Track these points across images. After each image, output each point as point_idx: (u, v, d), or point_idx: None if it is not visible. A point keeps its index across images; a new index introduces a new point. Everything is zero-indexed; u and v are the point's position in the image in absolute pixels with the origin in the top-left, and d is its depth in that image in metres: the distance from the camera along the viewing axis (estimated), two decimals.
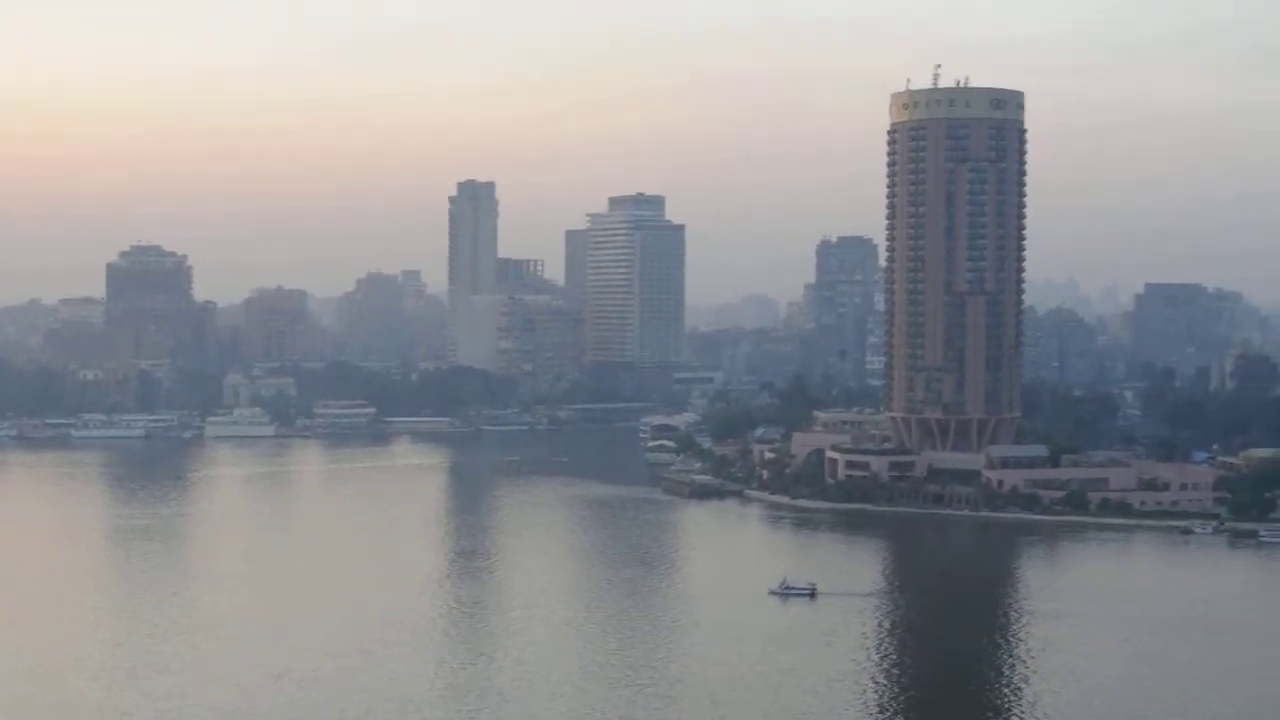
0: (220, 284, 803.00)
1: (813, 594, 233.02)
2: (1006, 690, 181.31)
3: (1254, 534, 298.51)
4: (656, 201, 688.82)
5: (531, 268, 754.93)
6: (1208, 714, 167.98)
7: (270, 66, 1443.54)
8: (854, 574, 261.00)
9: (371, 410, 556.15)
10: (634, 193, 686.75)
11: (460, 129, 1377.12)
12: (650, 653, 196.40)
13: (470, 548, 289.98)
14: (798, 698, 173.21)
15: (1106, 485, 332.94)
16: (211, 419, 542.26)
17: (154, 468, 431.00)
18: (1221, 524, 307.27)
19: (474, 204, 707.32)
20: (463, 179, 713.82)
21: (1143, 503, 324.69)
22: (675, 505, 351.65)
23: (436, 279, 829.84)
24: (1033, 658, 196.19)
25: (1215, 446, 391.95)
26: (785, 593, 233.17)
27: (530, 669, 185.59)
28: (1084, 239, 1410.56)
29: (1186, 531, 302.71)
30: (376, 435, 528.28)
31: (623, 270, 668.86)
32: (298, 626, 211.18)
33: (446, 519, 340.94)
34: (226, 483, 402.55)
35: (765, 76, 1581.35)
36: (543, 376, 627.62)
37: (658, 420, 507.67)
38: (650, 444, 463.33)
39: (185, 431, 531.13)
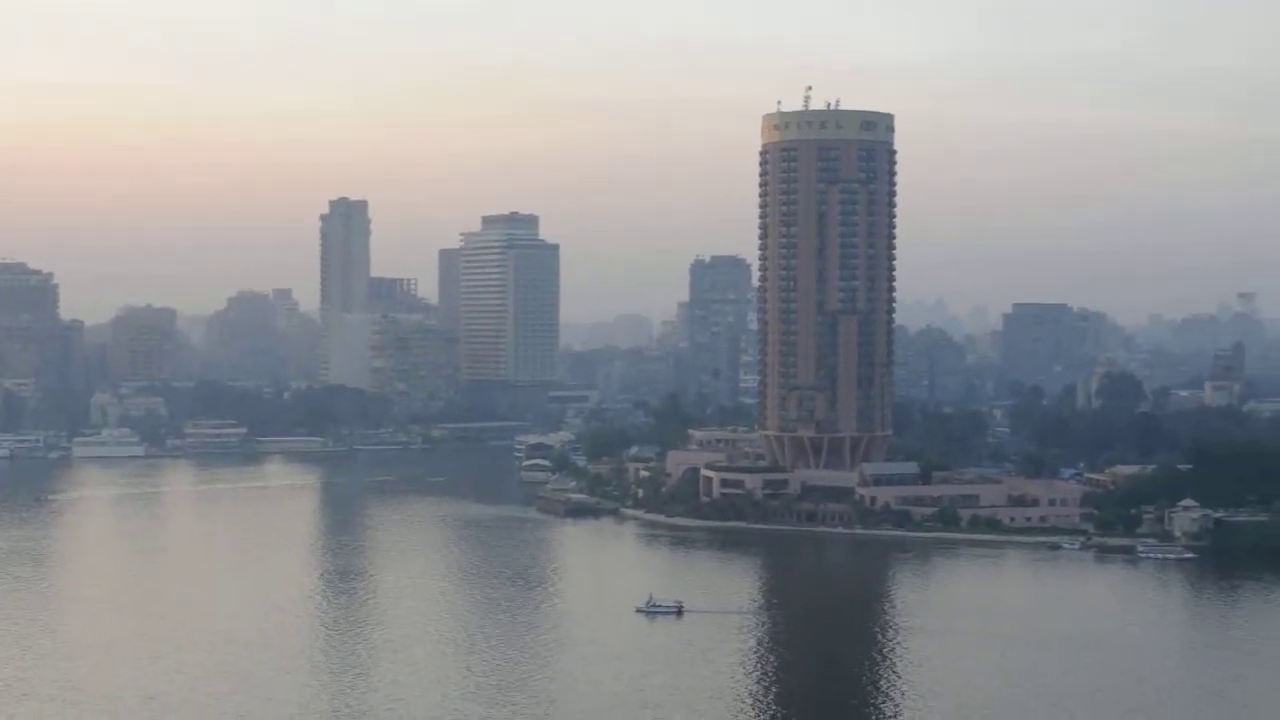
0: (87, 302, 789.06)
1: (679, 612, 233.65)
2: (880, 706, 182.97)
3: (1127, 550, 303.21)
4: (530, 220, 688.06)
5: (405, 286, 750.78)
6: None
7: (141, 83, 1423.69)
8: (724, 592, 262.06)
9: (243, 430, 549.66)
10: (508, 212, 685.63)
11: (333, 148, 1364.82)
12: (526, 673, 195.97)
13: (344, 568, 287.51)
14: (675, 715, 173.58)
15: (977, 502, 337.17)
16: (79, 439, 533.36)
17: (19, 489, 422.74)
18: (1089, 539, 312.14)
19: (346, 222, 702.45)
20: (334, 197, 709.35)
21: (1012, 519, 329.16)
22: (550, 524, 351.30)
23: (308, 298, 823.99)
24: (906, 674, 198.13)
25: (1082, 463, 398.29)
26: (651, 611, 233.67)
27: (406, 690, 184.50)
28: (953, 260, 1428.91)
29: (1055, 547, 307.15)
30: (248, 455, 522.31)
31: (497, 289, 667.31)
32: (169, 649, 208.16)
33: (320, 539, 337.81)
34: (94, 504, 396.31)
35: (639, 99, 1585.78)
36: (417, 395, 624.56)
37: (533, 439, 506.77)
38: (525, 463, 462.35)
39: (52, 452, 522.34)
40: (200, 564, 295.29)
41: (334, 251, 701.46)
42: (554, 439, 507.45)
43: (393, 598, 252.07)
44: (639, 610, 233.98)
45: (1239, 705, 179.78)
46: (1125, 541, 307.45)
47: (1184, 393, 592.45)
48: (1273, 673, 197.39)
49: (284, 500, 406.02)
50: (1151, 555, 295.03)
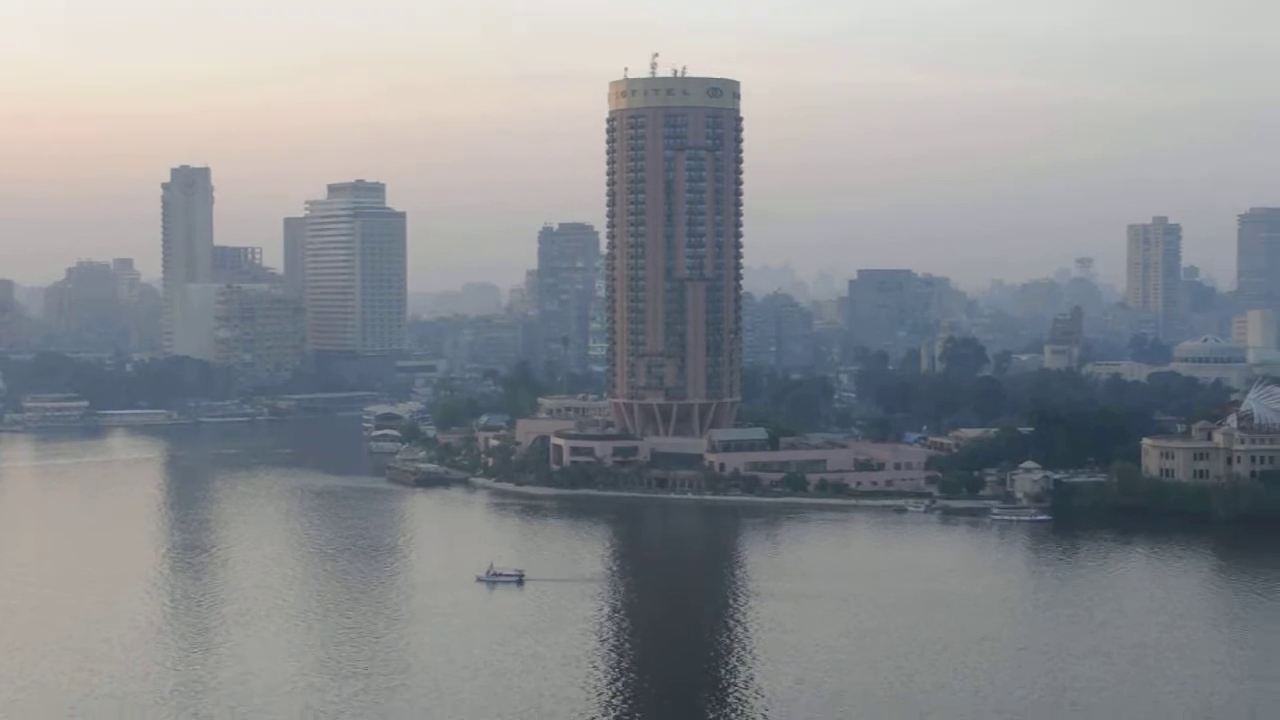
0: None
1: (520, 581, 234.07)
2: (731, 669, 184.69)
3: (972, 512, 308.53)
4: (377, 189, 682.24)
5: (249, 255, 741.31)
6: (927, 685, 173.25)
7: None
8: (570, 560, 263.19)
9: (84, 403, 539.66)
10: (354, 180, 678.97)
11: (178, 118, 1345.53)
12: (377, 644, 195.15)
13: (191, 542, 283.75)
14: (528, 682, 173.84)
15: (824, 467, 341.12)
16: None
17: None
18: (933, 502, 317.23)
19: (188, 190, 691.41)
20: (176, 164, 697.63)
21: (859, 483, 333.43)
22: (400, 494, 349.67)
23: (151, 268, 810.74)
24: (756, 637, 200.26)
25: (926, 427, 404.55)
26: (492, 580, 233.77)
27: (257, 663, 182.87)
28: (800, 226, 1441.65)
29: (901, 510, 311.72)
30: (90, 429, 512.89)
31: (343, 258, 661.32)
32: (10, 626, 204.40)
33: (165, 514, 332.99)
34: None
35: (487, 67, 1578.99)
36: (263, 366, 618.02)
37: (381, 409, 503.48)
38: (374, 433, 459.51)
39: None
40: (42, 541, 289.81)
41: (176, 220, 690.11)
42: (403, 409, 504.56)
43: (241, 571, 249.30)
44: (480, 580, 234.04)
45: (1080, 662, 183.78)
46: (978, 504, 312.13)
47: (1024, 356, 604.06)
48: (1111, 630, 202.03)
49: (128, 475, 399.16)
50: (1005, 517, 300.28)
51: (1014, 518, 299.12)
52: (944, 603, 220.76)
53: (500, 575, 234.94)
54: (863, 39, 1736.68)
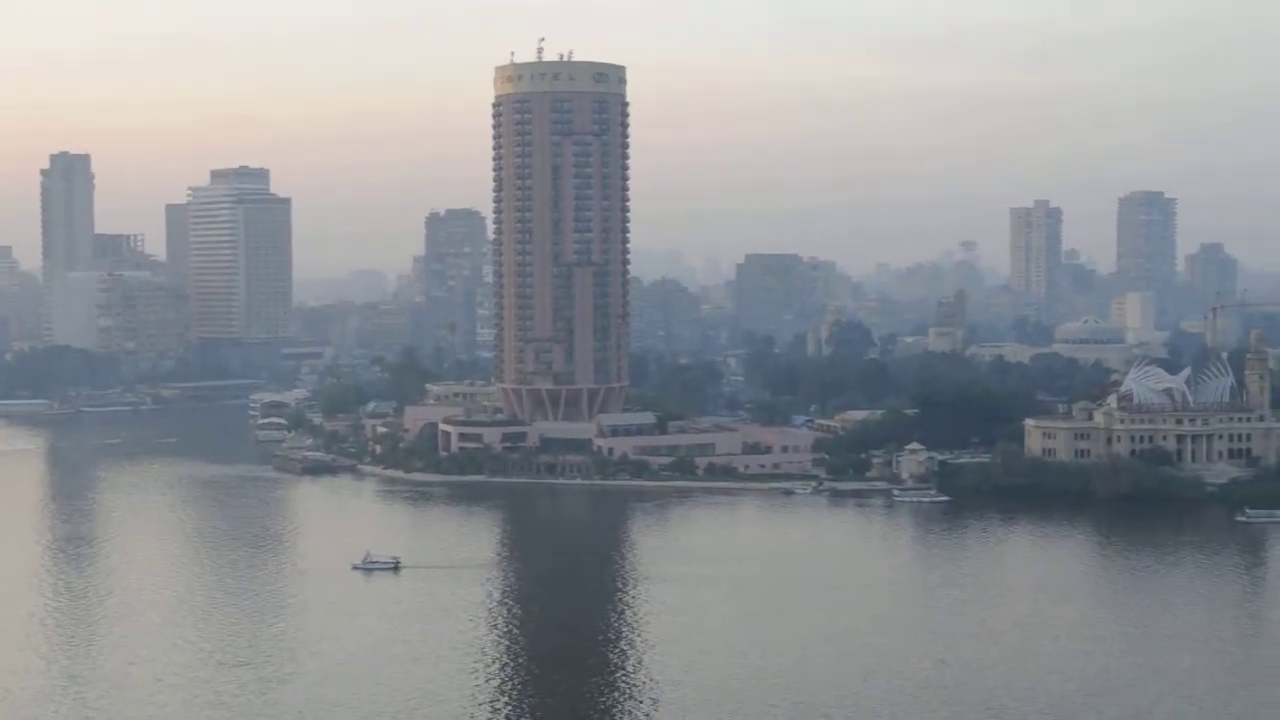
0: None
1: (396, 568, 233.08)
2: (622, 653, 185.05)
3: (859, 494, 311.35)
4: (261, 174, 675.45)
5: (131, 243, 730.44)
6: (818, 667, 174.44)
7: None
8: (453, 546, 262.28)
9: None
10: (237, 165, 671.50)
11: (57, 103, 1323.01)
12: (264, 632, 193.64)
13: (75, 533, 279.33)
14: (420, 669, 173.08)
15: (713, 450, 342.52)
16: None
17: None
18: (821, 484, 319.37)
19: (68, 177, 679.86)
20: (55, 151, 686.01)
21: (747, 466, 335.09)
22: (287, 483, 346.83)
23: (30, 256, 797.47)
24: (647, 621, 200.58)
25: (814, 410, 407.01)
26: (368, 567, 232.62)
27: (142, 654, 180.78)
28: (687, 210, 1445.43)
29: (789, 493, 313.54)
30: None
31: (227, 244, 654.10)
32: None
33: (47, 505, 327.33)
34: None
35: (372, 50, 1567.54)
36: (146, 355, 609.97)
37: (267, 397, 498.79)
38: (260, 421, 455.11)
39: None
40: None
41: (56, 207, 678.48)
42: (289, 396, 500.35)
43: (126, 562, 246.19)
44: (355, 567, 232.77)
45: (971, 640, 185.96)
46: (891, 486, 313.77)
47: (910, 339, 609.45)
48: (999, 608, 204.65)
49: (7, 466, 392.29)
50: (906, 499, 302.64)
51: (915, 499, 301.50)
52: (833, 584, 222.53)
53: (376, 562, 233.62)
54: (752, 24, 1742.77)
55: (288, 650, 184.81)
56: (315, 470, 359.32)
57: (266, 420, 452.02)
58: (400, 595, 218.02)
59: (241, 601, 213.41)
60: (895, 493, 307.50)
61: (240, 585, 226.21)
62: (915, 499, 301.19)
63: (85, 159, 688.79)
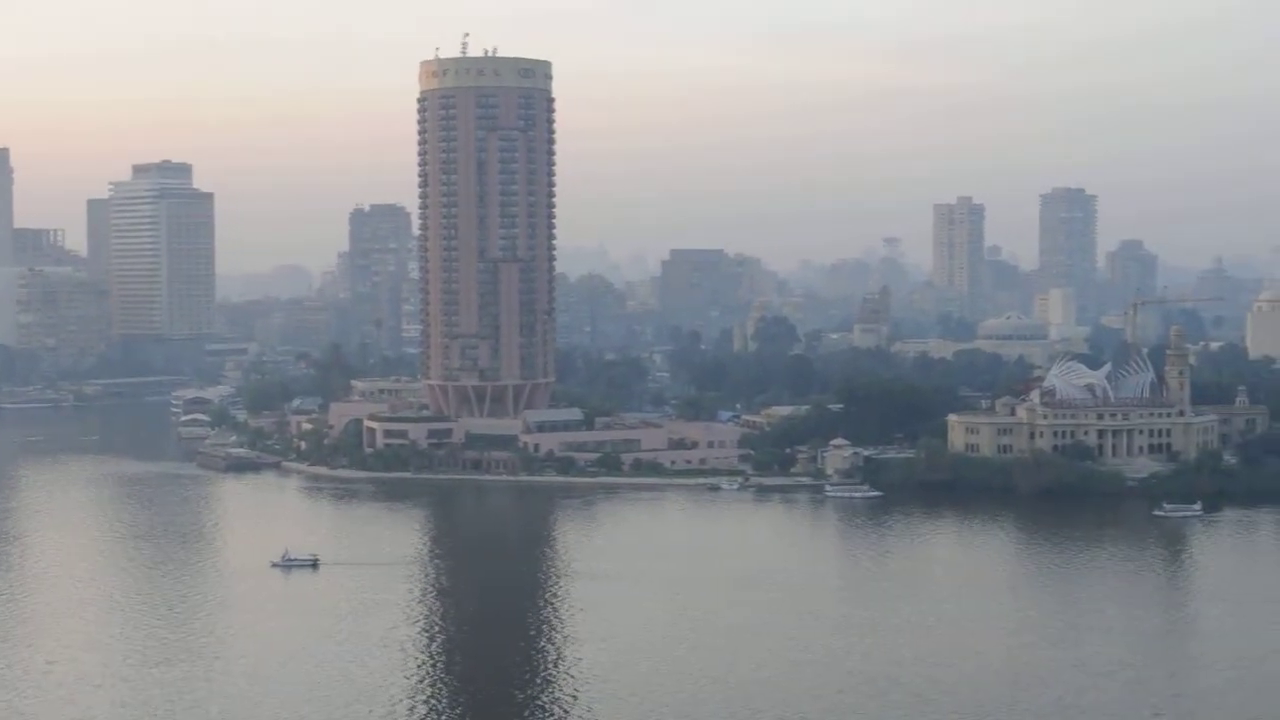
0: None
1: (315, 565, 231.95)
2: (543, 651, 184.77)
3: (784, 489, 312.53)
4: (183, 170, 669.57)
5: (51, 238, 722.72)
6: (745, 664, 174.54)
7: None
8: (378, 543, 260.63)
9: None
10: (159, 160, 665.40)
11: None
12: (184, 631, 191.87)
13: None
14: (338, 667, 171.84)
15: (638, 446, 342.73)
16: None
17: None
18: (747, 480, 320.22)
19: None
20: None
21: (673, 462, 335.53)
22: (210, 480, 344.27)
23: None
24: (573, 618, 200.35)
25: (739, 406, 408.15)
26: (287, 564, 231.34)
27: (64, 654, 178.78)
28: (614, 206, 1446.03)
29: (715, 488, 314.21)
30: None
31: (149, 240, 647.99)
32: None
33: None
34: None
35: (296, 47, 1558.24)
36: (66, 351, 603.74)
37: (190, 394, 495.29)
38: (183, 418, 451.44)
39: None
40: None
41: None
42: (212, 393, 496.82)
43: (47, 561, 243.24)
44: (274, 565, 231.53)
45: (897, 635, 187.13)
46: (824, 482, 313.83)
47: (835, 335, 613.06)
48: (925, 602, 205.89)
49: None
50: (839, 494, 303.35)
51: (848, 494, 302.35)
52: (761, 580, 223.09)
53: (294, 560, 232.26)
54: (676, 20, 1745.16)
55: (211, 649, 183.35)
56: (239, 467, 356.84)
57: (189, 417, 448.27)
58: (321, 593, 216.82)
59: (164, 600, 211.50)
60: (827, 488, 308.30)
61: (162, 583, 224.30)
62: (848, 494, 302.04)
63: (4, 153, 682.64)
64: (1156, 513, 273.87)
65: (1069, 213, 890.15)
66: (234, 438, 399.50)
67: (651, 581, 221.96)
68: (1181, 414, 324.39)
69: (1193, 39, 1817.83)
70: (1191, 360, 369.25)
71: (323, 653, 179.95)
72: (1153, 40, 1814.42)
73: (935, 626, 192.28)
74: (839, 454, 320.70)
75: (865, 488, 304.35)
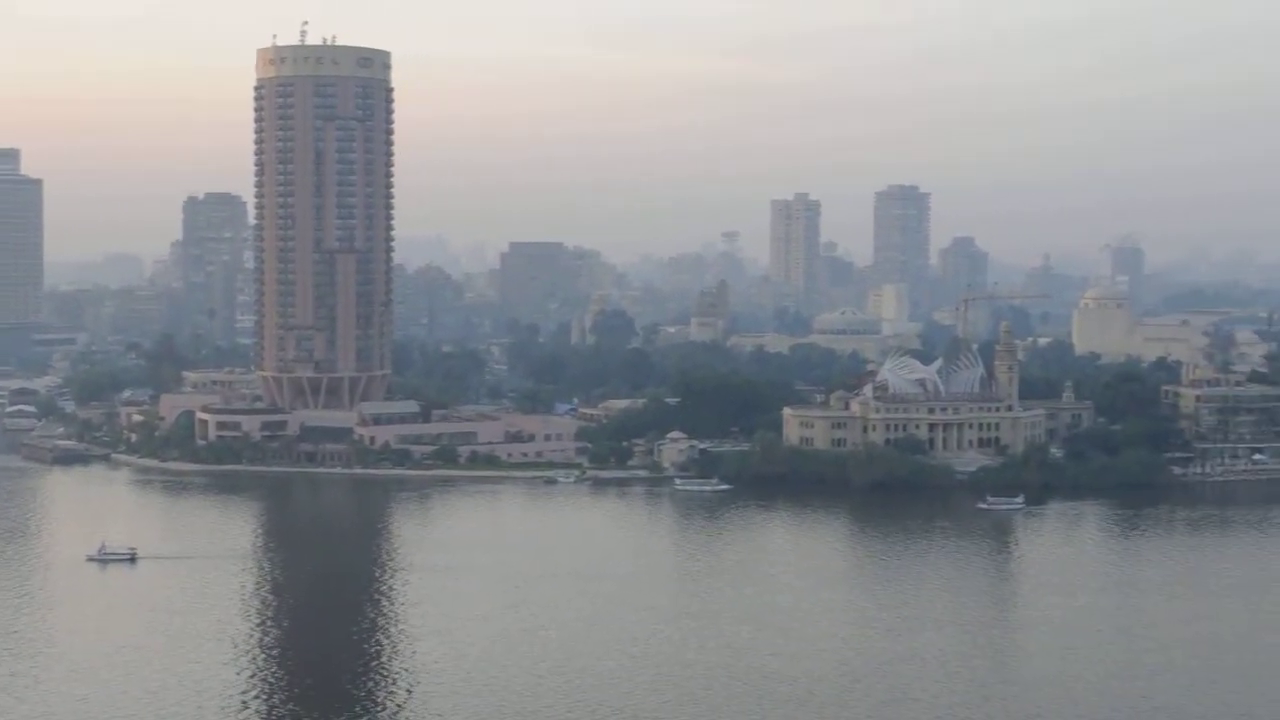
0: None
1: (133, 558, 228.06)
2: (377, 645, 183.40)
3: (620, 482, 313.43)
4: (10, 154, 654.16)
5: None
6: (584, 656, 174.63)
7: None
8: (207, 536, 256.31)
9: None
10: None
11: None
12: (3, 629, 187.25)
13: None
14: (168, 662, 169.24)
15: (475, 439, 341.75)
16: None
17: None
18: (583, 473, 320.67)
19: None
20: None
21: (510, 455, 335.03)
22: (36, 472, 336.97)
23: None
24: (408, 612, 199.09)
25: (577, 399, 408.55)
26: (104, 558, 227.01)
27: None
28: (453, 198, 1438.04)
29: (551, 481, 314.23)
30: None
31: None
32: None
33: None
34: None
35: (133, 30, 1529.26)
36: None
37: (16, 384, 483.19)
38: (8, 409, 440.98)
39: None
40: None
41: None
42: (39, 384, 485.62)
43: None
44: (90, 558, 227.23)
45: (736, 627, 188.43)
46: (674, 475, 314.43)
47: (672, 329, 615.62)
48: (763, 595, 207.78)
49: None
50: (689, 488, 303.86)
51: (698, 487, 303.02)
52: (598, 573, 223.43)
53: (112, 554, 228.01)
54: (516, 13, 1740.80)
55: (34, 646, 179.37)
56: (66, 459, 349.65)
57: (15, 408, 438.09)
58: (143, 587, 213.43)
59: None
60: (676, 481, 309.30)
61: None
62: (698, 487, 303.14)
63: None
64: (981, 505, 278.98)
65: (903, 209, 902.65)
66: (61, 429, 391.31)
67: (488, 574, 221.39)
68: (1010, 409, 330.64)
69: (1029, 51, 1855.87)
70: (1020, 356, 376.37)
71: (150, 648, 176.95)
72: (990, 49, 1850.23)
73: (771, 618, 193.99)
74: (675, 447, 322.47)
75: (715, 481, 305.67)
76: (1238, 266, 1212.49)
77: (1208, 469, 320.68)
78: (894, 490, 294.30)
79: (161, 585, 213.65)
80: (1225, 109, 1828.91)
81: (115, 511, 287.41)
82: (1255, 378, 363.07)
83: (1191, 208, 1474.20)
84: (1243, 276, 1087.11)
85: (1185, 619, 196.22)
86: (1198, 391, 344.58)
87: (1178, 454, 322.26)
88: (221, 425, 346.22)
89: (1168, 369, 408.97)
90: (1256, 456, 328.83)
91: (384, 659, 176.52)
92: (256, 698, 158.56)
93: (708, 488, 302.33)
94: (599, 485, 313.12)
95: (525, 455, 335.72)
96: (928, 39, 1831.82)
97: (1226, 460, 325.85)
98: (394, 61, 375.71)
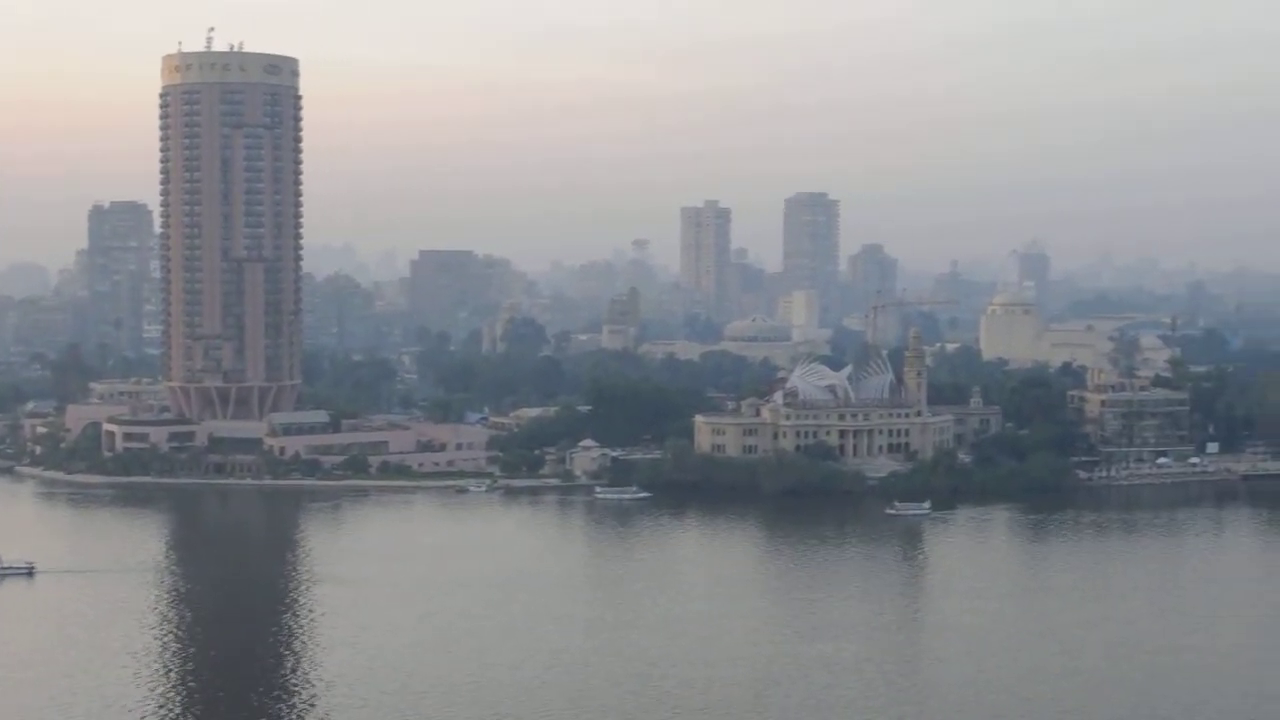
0: None
1: (31, 572, 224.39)
2: (289, 658, 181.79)
3: (532, 490, 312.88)
4: None
5: None
6: (500, 667, 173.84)
7: None
8: (111, 549, 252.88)
9: None
10: None
11: None
12: None
13: None
14: (75, 678, 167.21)
15: (386, 448, 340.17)
16: None
17: None
18: (495, 482, 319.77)
19: None
20: None
21: (421, 464, 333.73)
22: None
23: None
24: (319, 624, 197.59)
25: (488, 408, 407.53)
26: (0, 573, 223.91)
27: None
28: (361, 205, 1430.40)
29: (462, 491, 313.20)
30: None
31: None
32: None
33: None
34: None
35: (36, 37, 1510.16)
36: None
37: None
38: None
39: None
40: None
41: None
42: None
43: None
44: None
45: (652, 634, 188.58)
46: (594, 484, 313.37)
47: (583, 336, 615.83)
48: (676, 603, 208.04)
49: None
50: (609, 496, 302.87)
51: (618, 496, 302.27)
52: (511, 582, 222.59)
53: (8, 568, 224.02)
54: (435, 20, 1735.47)
55: None
56: None
57: None
58: (41, 602, 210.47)
59: None
60: (597, 490, 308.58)
61: None
62: (617, 496, 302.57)
63: None
64: (888, 511, 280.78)
65: (812, 216, 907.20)
66: None
67: (399, 585, 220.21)
68: (919, 414, 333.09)
69: (940, 63, 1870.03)
70: (929, 361, 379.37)
71: (57, 663, 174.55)
72: (901, 62, 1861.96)
73: (685, 625, 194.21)
74: (587, 455, 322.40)
75: (634, 489, 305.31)
76: (1141, 273, 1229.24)
77: (1113, 473, 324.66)
78: (805, 496, 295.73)
79: (62, 600, 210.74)
80: (1129, 125, 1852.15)
81: (17, 525, 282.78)
82: (1159, 382, 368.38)
83: (1099, 219, 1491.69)
84: (1146, 283, 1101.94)
85: (1093, 621, 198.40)
86: (1103, 396, 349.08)
87: (1084, 458, 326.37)
88: (128, 436, 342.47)
89: (1073, 374, 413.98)
90: (1161, 460, 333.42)
91: (294, 671, 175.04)
92: (164, 711, 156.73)
93: (626, 496, 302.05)
94: (511, 494, 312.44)
95: (436, 465, 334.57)
96: (835, 49, 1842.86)
97: (1131, 464, 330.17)
98: (302, 68, 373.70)
